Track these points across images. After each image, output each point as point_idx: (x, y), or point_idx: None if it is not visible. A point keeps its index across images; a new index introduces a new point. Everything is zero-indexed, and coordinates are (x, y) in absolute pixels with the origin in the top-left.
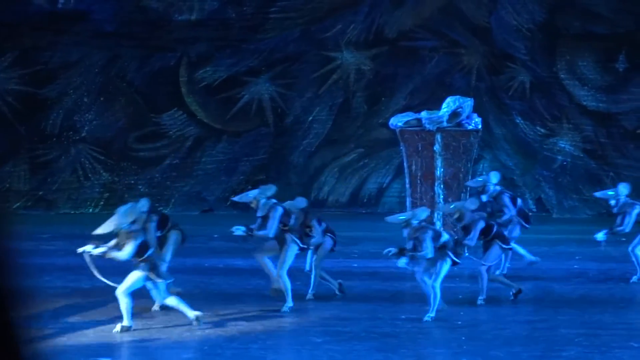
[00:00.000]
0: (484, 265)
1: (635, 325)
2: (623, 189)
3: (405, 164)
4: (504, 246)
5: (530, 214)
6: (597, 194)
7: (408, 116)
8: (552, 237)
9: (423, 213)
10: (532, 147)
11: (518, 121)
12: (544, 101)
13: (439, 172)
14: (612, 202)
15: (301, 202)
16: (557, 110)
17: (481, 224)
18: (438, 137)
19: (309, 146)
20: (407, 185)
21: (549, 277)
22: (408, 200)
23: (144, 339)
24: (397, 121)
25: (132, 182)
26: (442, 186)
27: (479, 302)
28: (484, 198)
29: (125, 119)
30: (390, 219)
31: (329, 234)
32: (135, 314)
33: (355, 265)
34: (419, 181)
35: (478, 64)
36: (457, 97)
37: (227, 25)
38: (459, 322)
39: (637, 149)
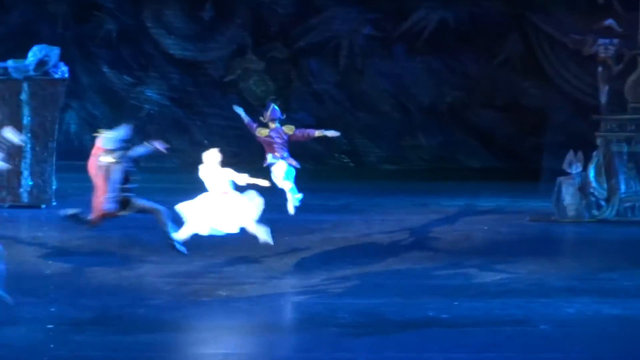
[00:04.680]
0: None
1: (225, 274)
2: None
3: None
4: None
5: None
6: None
7: None
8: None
9: None
10: (119, 96)
11: (105, 70)
12: (130, 50)
13: (26, 120)
14: None
15: None
16: (144, 59)
17: None
18: (25, 85)
19: None
20: None
21: (138, 226)
22: None
23: None
24: None
25: None
26: (29, 135)
27: None
28: None
29: None
30: None
31: None
32: None
33: None
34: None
35: (64, 13)
36: (44, 45)
37: None
38: (48, 272)
39: (224, 97)
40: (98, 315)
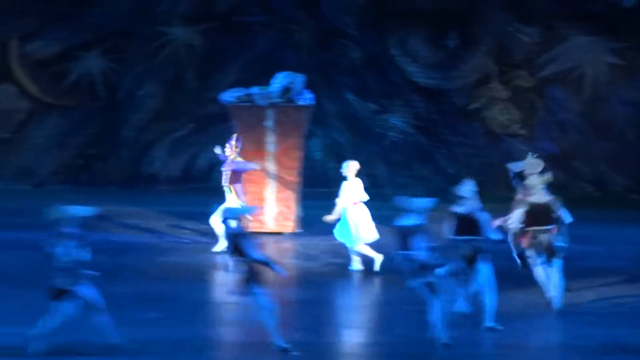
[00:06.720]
0: None
1: None
2: None
3: None
4: None
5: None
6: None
7: (239, 91)
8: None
9: None
10: (364, 124)
11: (349, 97)
12: (375, 77)
13: (270, 147)
14: None
15: None
16: (389, 87)
17: None
18: (269, 112)
19: (140, 121)
20: None
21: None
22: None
23: None
24: (228, 96)
25: None
26: (274, 162)
27: None
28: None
29: None
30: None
31: None
32: None
33: (187, 240)
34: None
35: (309, 40)
36: (289, 72)
37: None
38: (291, 300)
39: (467, 126)
40: (341, 343)
